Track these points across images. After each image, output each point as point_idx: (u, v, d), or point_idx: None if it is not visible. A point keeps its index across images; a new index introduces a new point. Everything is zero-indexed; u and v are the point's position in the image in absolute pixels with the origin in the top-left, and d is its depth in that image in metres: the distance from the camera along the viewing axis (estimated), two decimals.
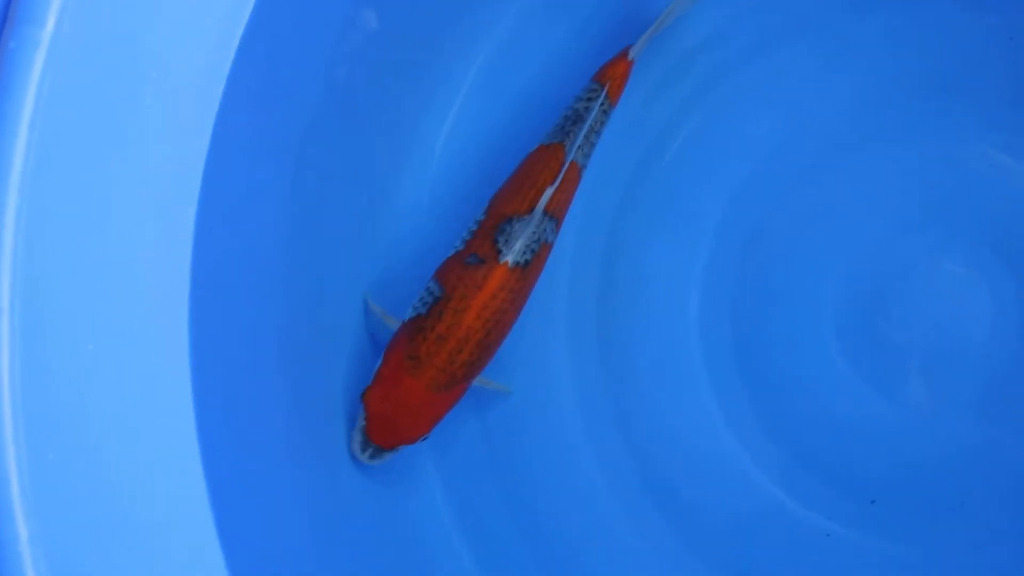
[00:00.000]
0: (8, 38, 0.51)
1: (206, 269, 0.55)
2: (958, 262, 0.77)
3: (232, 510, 0.55)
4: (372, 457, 0.67)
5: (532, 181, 0.68)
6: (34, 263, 0.50)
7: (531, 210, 0.67)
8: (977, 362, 0.76)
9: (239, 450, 0.58)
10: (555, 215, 0.68)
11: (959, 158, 0.77)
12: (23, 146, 0.50)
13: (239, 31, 0.55)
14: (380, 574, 0.69)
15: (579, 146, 0.69)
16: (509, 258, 0.66)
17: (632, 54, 0.71)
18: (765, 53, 0.77)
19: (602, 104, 0.69)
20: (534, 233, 0.67)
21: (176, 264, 0.54)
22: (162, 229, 0.53)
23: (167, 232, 0.54)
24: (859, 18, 0.77)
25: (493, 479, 0.76)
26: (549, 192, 0.67)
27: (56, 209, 0.51)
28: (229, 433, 0.57)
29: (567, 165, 0.68)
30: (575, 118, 0.69)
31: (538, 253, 0.67)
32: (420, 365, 0.66)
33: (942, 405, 0.76)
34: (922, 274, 0.77)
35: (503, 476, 0.76)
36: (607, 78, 0.70)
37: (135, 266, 0.53)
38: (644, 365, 0.77)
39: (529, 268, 0.67)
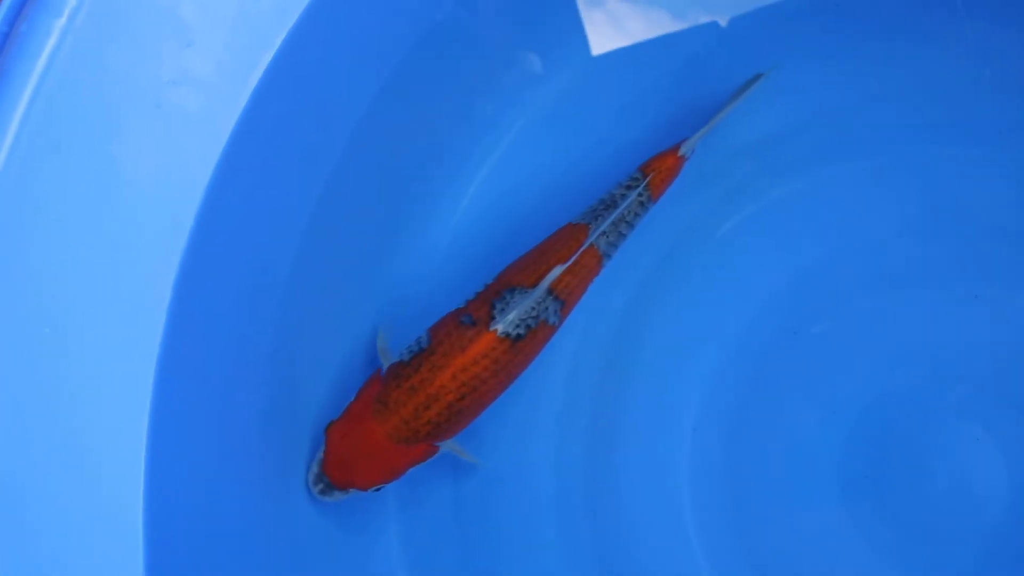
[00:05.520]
0: (21, 21, 0.54)
1: (196, 272, 0.55)
2: (976, 422, 0.73)
3: (173, 527, 0.55)
4: (323, 492, 0.66)
5: (546, 257, 0.66)
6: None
7: (535, 284, 0.65)
8: (988, 533, 0.72)
9: (195, 466, 0.59)
10: (562, 297, 0.65)
11: (1004, 309, 0.73)
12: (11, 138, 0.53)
13: (272, 50, 0.56)
14: None
15: (604, 232, 0.66)
16: (499, 327, 0.64)
17: (684, 150, 0.68)
18: (813, 167, 0.75)
19: (640, 195, 0.67)
20: (533, 309, 0.64)
21: (164, 263, 0.55)
22: (157, 229, 0.54)
23: (160, 233, 0.55)
24: (923, 142, 0.74)
25: (455, 553, 0.73)
26: (558, 271, 0.65)
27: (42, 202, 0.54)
28: (186, 445, 0.58)
29: (585, 247, 0.65)
30: (609, 203, 0.67)
31: (534, 331, 0.65)
32: (386, 411, 0.64)
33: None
34: (937, 432, 0.73)
35: (466, 552, 0.74)
36: (652, 169, 0.68)
37: (125, 251, 0.54)
38: (625, 474, 0.74)
39: (521, 344, 0.64)
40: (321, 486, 0.66)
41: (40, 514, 0.53)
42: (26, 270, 0.54)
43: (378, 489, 0.66)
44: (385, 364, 0.68)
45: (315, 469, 0.66)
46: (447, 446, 0.68)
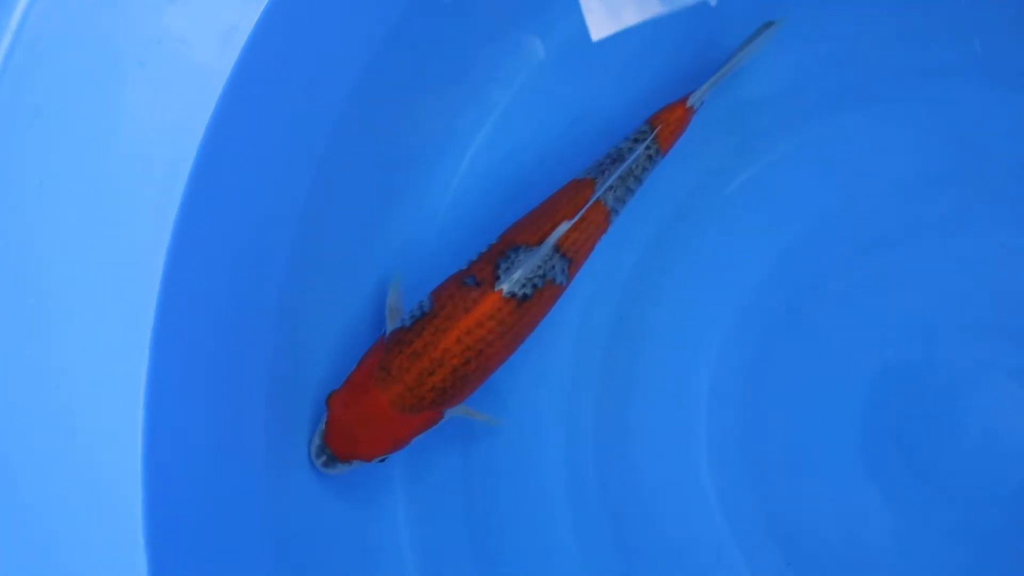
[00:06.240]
0: None
1: (190, 238, 0.53)
2: (1005, 375, 0.70)
3: (173, 502, 0.53)
4: (325, 464, 0.64)
5: (551, 213, 0.63)
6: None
7: (541, 242, 0.62)
8: (1019, 490, 0.69)
9: (194, 440, 0.57)
10: (569, 255, 0.63)
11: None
12: None
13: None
14: None
15: (611, 187, 0.63)
16: (504, 287, 0.61)
17: (692, 101, 0.65)
18: (828, 115, 0.72)
19: (648, 148, 0.64)
20: (539, 267, 0.62)
21: (157, 228, 0.52)
22: (147, 193, 0.52)
23: (152, 197, 0.52)
24: (943, 84, 0.70)
25: (463, 521, 0.71)
26: (564, 227, 0.62)
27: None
28: (184, 418, 0.55)
29: (591, 203, 0.63)
30: (616, 157, 0.65)
31: (541, 290, 0.62)
32: (389, 379, 0.62)
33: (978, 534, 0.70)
34: (963, 386, 0.71)
35: (474, 520, 0.72)
36: (660, 122, 0.65)
37: (115, 216, 0.52)
38: (640, 438, 0.72)
39: (527, 304, 0.62)
40: (324, 458, 0.64)
41: (36, 490, 0.51)
42: (9, 240, 0.51)
43: (383, 459, 0.64)
44: (391, 325, 0.65)
45: (317, 441, 0.64)
46: (457, 411, 0.65)
